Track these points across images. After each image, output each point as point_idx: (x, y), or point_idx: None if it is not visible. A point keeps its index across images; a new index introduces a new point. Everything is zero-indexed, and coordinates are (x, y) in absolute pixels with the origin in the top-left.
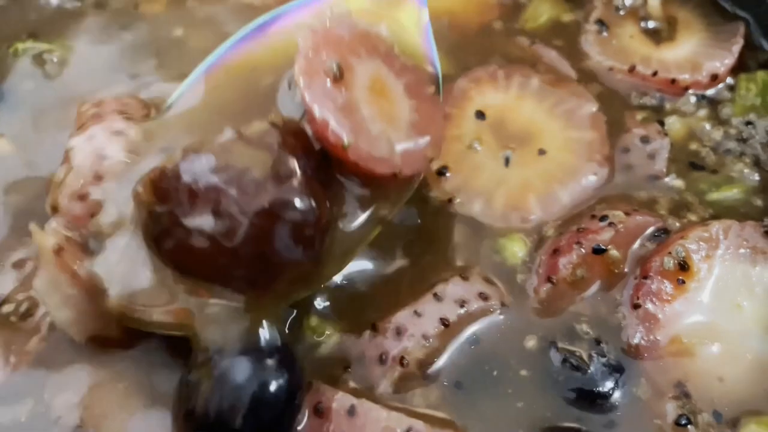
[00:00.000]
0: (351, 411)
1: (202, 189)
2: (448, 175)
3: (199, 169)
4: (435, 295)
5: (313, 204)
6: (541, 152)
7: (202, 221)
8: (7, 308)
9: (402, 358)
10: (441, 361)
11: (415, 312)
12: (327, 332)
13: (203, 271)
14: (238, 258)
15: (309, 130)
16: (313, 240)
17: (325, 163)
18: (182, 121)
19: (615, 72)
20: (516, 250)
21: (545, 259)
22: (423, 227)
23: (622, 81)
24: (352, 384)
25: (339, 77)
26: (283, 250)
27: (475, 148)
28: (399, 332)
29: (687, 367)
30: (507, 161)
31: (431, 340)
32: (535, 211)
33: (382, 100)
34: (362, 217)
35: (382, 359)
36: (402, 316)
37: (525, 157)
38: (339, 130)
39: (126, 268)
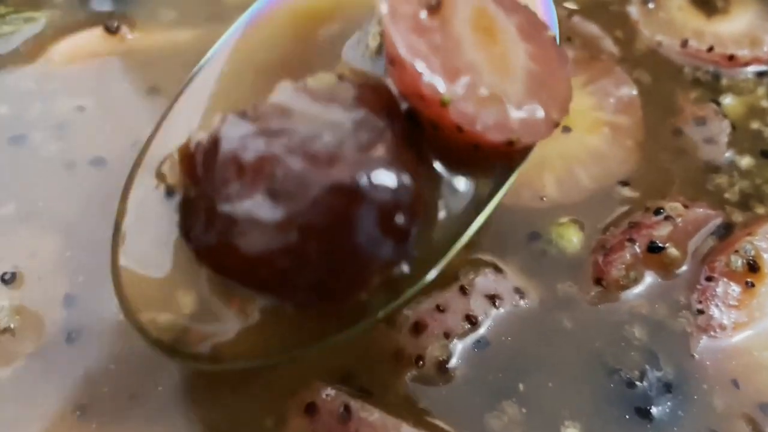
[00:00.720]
0: (344, 415)
1: (252, 161)
2: None
3: (246, 134)
4: (462, 287)
5: (408, 180)
6: (565, 130)
7: (252, 206)
8: None
9: (419, 357)
10: (462, 364)
11: (438, 306)
12: None
13: (253, 278)
14: (303, 257)
15: (392, 85)
16: (407, 231)
17: (414, 130)
18: (218, 83)
19: (664, 47)
20: (571, 238)
21: (593, 257)
22: None
23: (672, 56)
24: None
25: (436, 6)
26: (367, 245)
27: None
28: (417, 329)
29: (759, 383)
30: None
31: (454, 339)
32: (549, 191)
33: (490, 42)
34: (463, 201)
35: (397, 357)
36: (422, 311)
37: None
38: (436, 80)
39: None
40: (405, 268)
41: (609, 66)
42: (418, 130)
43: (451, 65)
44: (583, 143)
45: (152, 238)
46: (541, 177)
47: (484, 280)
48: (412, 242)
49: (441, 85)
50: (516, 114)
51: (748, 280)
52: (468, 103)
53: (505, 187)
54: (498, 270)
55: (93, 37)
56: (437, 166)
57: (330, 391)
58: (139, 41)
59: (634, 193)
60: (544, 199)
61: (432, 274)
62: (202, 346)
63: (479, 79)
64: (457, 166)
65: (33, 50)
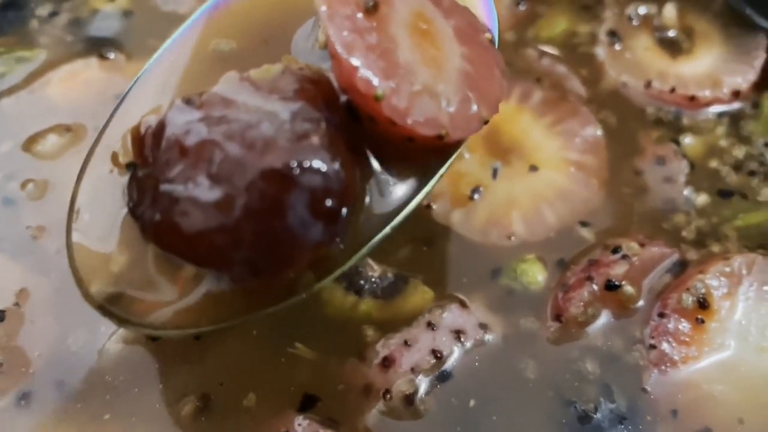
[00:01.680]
0: None
1: (194, 145)
2: None
3: (190, 120)
4: (429, 323)
5: (339, 167)
6: (533, 168)
7: (192, 187)
8: None
9: (386, 391)
10: (428, 398)
11: (406, 342)
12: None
13: (192, 254)
14: (238, 235)
15: (333, 79)
16: (336, 214)
17: (351, 121)
18: (172, 72)
19: (629, 87)
20: (535, 274)
21: (554, 294)
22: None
23: (636, 96)
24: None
25: (373, 9)
26: (298, 226)
27: (462, 154)
28: (387, 364)
29: (708, 414)
30: (495, 173)
31: (420, 375)
32: (517, 229)
33: (426, 43)
34: (395, 190)
35: (366, 391)
36: (391, 345)
37: (515, 172)
38: (370, 76)
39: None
40: (335, 248)
41: (576, 107)
42: (356, 122)
43: (385, 63)
44: (550, 182)
45: (104, 216)
46: (509, 215)
47: (451, 316)
48: (341, 226)
49: (375, 81)
50: (446, 110)
51: (698, 316)
52: (400, 99)
53: (435, 179)
54: (463, 305)
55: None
56: (373, 157)
57: (302, 421)
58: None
59: (595, 232)
60: (512, 238)
61: (361, 254)
62: (149, 316)
63: (412, 77)
64: (392, 158)
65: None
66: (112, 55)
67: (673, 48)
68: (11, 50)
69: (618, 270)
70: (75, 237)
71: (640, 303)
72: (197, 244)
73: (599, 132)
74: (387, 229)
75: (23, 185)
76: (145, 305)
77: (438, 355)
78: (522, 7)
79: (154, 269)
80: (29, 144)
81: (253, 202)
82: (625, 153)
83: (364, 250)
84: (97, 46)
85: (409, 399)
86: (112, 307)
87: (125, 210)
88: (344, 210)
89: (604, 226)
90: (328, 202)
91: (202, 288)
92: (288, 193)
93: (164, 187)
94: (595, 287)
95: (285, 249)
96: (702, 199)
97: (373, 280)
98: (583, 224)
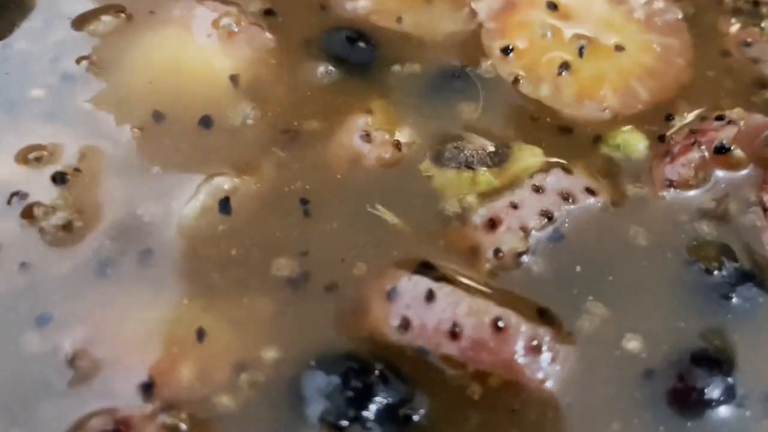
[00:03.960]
0: (429, 295)
1: None
2: (511, 56)
3: None
4: (534, 186)
5: None
6: (618, 48)
7: None
8: None
9: (497, 250)
10: (540, 257)
11: (511, 203)
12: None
13: None
14: None
15: None
16: None
17: None
18: None
19: None
20: (636, 143)
21: (661, 160)
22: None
23: None
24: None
25: None
26: None
27: (546, 35)
28: (493, 224)
29: None
30: (581, 51)
31: (532, 233)
32: (610, 102)
33: None
34: None
35: (473, 251)
36: (496, 208)
37: (600, 51)
38: None
39: None
40: None
41: None
42: None
43: None
44: (636, 61)
45: None
46: (600, 89)
47: (556, 179)
48: None
49: None
50: None
51: None
52: None
53: None
54: (567, 171)
55: None
56: None
57: (412, 276)
58: None
59: (686, 105)
60: (606, 110)
61: None
62: None
63: None
64: None
65: None
66: None
67: None
68: None
69: (726, 133)
70: None
71: (748, 168)
72: None
73: (679, 15)
74: None
75: (78, 62)
76: None
77: (548, 216)
78: None
79: None
80: (83, 23)
81: None
82: (707, 36)
83: None
84: None
85: (521, 257)
86: None
87: None
88: None
89: (697, 101)
90: None
91: None
92: None
93: None
94: (704, 151)
95: None
96: None
97: (476, 152)
98: (676, 99)
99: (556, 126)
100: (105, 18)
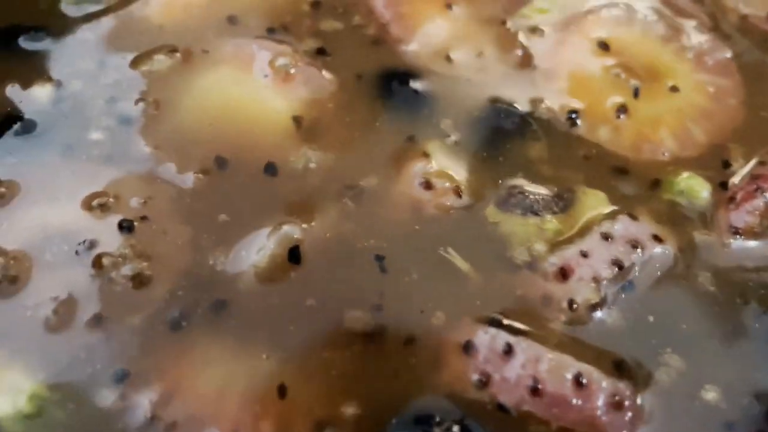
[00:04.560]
0: (508, 350)
1: None
2: (566, 97)
3: None
4: (603, 234)
5: None
6: (674, 89)
7: None
8: None
9: (571, 301)
10: (614, 307)
11: (582, 253)
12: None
13: None
14: None
15: None
16: None
17: None
18: None
19: (751, 18)
20: (699, 189)
21: (725, 206)
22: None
23: (760, 24)
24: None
25: None
26: None
27: (599, 75)
28: (564, 273)
29: None
30: (636, 92)
31: (604, 283)
32: (668, 145)
33: None
34: None
35: (545, 301)
36: (566, 257)
37: (655, 92)
38: None
39: None
40: None
41: (701, 30)
42: None
43: None
44: (691, 102)
45: None
46: (657, 132)
47: (623, 227)
48: None
49: None
50: None
51: None
52: None
53: None
54: (633, 217)
55: None
56: None
57: (489, 329)
58: None
59: (743, 149)
60: (665, 153)
61: None
62: None
63: None
64: None
65: None
66: None
67: None
68: None
69: None
70: None
71: None
72: None
73: (728, 54)
74: None
75: (136, 103)
76: None
77: (619, 265)
78: None
79: None
80: (137, 63)
81: None
82: (757, 75)
83: None
84: None
85: (595, 308)
86: None
87: None
88: None
89: (752, 144)
90: None
91: None
92: None
93: None
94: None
95: None
96: None
97: (541, 198)
98: (732, 141)
99: (613, 168)
100: (158, 57)
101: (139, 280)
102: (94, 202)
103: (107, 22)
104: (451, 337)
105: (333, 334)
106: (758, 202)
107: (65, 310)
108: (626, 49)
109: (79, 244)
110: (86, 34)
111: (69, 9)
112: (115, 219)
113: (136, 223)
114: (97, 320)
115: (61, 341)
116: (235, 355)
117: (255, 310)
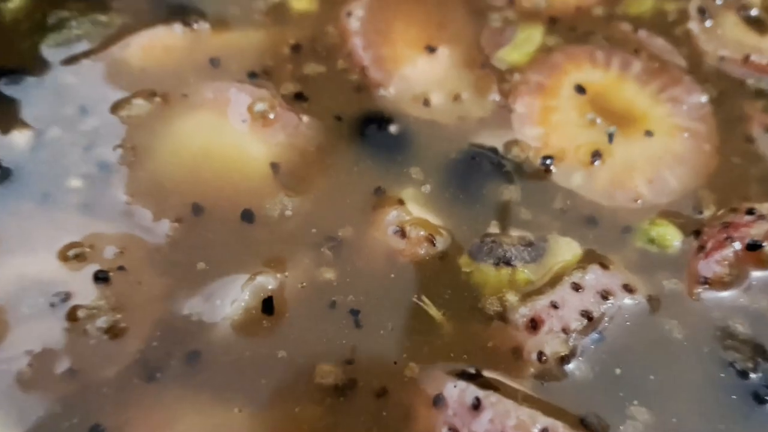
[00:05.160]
0: (476, 405)
1: None
2: (541, 142)
3: None
4: (574, 285)
5: None
6: (648, 134)
7: None
8: None
9: (540, 353)
10: (584, 359)
11: (552, 303)
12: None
13: None
14: None
15: None
16: None
17: None
18: None
19: (727, 61)
20: (670, 238)
21: (695, 255)
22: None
23: (735, 69)
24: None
25: None
26: None
27: (575, 120)
28: (534, 325)
29: None
30: (611, 137)
31: (573, 335)
32: (642, 191)
33: None
34: None
35: (515, 353)
36: (537, 308)
37: (630, 136)
38: None
39: None
40: None
41: (677, 75)
42: None
43: None
44: (666, 147)
45: None
46: (632, 179)
47: (594, 277)
48: None
49: None
50: None
51: None
52: None
53: None
54: (604, 266)
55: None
56: None
57: (458, 383)
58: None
59: (716, 196)
60: (639, 201)
61: None
62: None
63: None
64: None
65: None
66: (195, 25)
67: (759, 26)
68: (86, 13)
69: (758, 230)
70: None
71: None
72: None
73: (704, 99)
74: None
75: (114, 149)
76: None
77: (589, 316)
78: None
79: None
80: (117, 108)
81: None
82: (732, 120)
83: None
84: (178, 13)
85: (564, 361)
86: None
87: None
88: None
89: (724, 190)
90: None
91: None
92: None
93: None
94: (737, 248)
95: None
96: None
97: (513, 247)
98: (704, 187)
99: (585, 216)
100: (137, 101)
101: (113, 332)
102: (71, 252)
103: (88, 65)
104: (423, 389)
105: (304, 387)
106: (728, 252)
107: (40, 363)
108: (603, 92)
109: (54, 295)
110: (67, 77)
111: (49, 52)
112: (90, 269)
113: (111, 274)
114: (71, 374)
115: (37, 395)
116: (209, 407)
117: (227, 361)
